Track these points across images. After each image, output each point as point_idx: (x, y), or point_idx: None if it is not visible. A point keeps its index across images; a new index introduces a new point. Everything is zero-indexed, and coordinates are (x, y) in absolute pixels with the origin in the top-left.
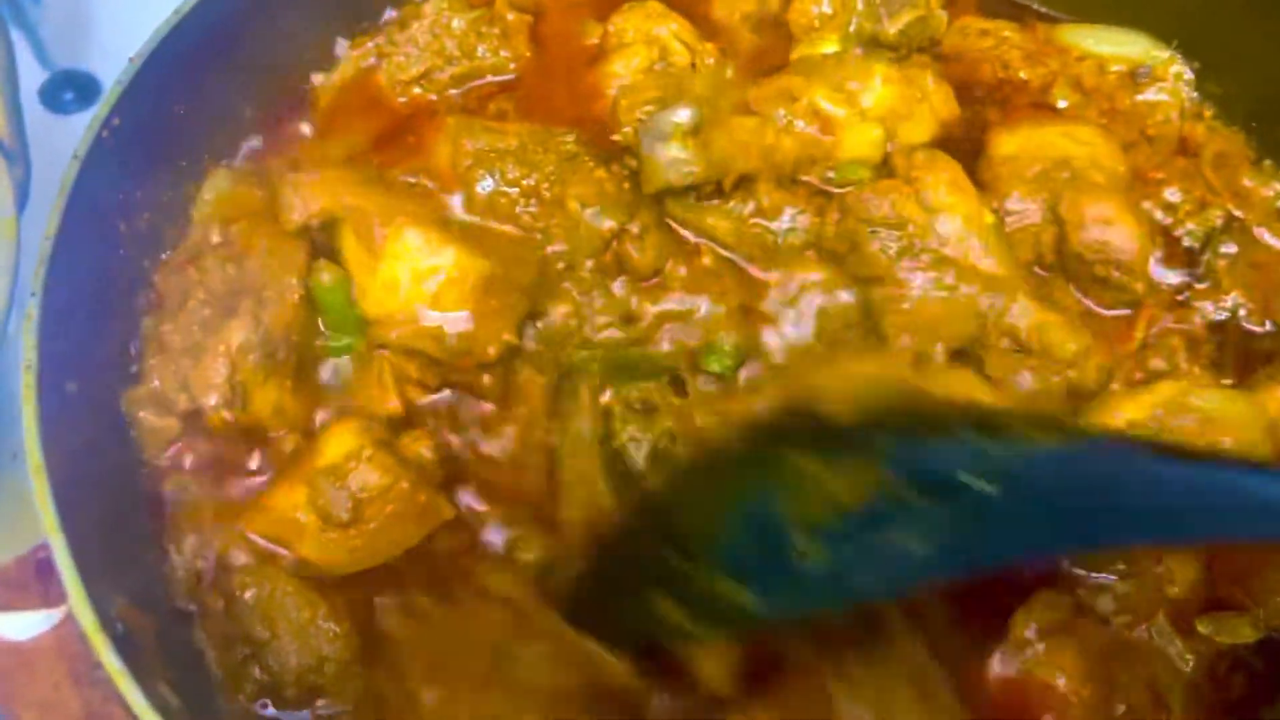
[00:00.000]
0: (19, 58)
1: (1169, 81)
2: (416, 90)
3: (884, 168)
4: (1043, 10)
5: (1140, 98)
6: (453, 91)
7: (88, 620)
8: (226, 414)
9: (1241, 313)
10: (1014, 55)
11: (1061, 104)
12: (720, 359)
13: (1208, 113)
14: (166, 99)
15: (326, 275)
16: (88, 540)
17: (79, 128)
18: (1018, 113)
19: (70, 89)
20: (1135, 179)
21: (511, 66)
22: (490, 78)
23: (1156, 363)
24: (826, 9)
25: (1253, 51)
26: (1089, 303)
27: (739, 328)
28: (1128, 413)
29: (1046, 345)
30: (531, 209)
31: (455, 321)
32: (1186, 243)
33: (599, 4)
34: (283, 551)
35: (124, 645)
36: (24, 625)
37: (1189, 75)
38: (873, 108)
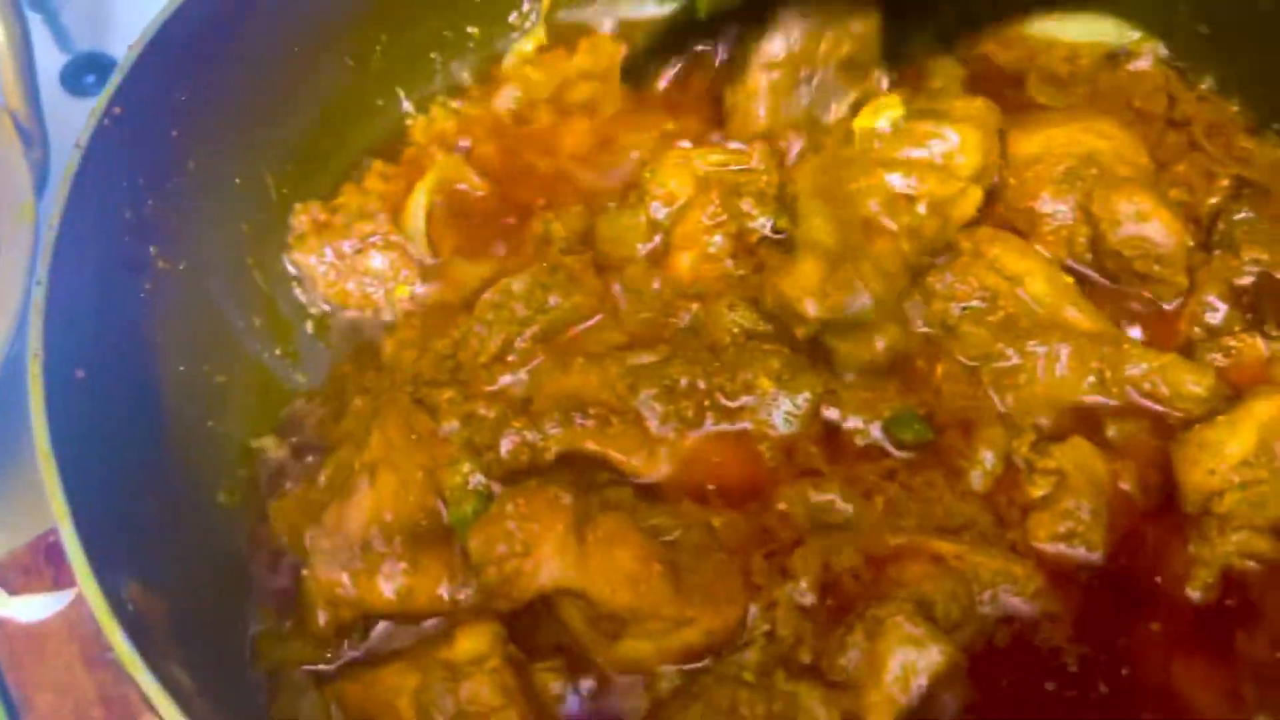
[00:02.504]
0: (39, 42)
1: (1146, 58)
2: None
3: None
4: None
5: (1132, 67)
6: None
7: (97, 603)
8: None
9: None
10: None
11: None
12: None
13: (1201, 84)
14: (168, 85)
15: (469, 507)
16: (97, 524)
17: None
18: (1029, 111)
19: (91, 71)
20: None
21: (591, 306)
22: (579, 327)
23: (1196, 331)
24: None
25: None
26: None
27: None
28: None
29: (1174, 386)
30: (725, 403)
31: None
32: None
33: None
34: None
35: (134, 627)
36: (35, 608)
37: (1164, 52)
38: (964, 167)
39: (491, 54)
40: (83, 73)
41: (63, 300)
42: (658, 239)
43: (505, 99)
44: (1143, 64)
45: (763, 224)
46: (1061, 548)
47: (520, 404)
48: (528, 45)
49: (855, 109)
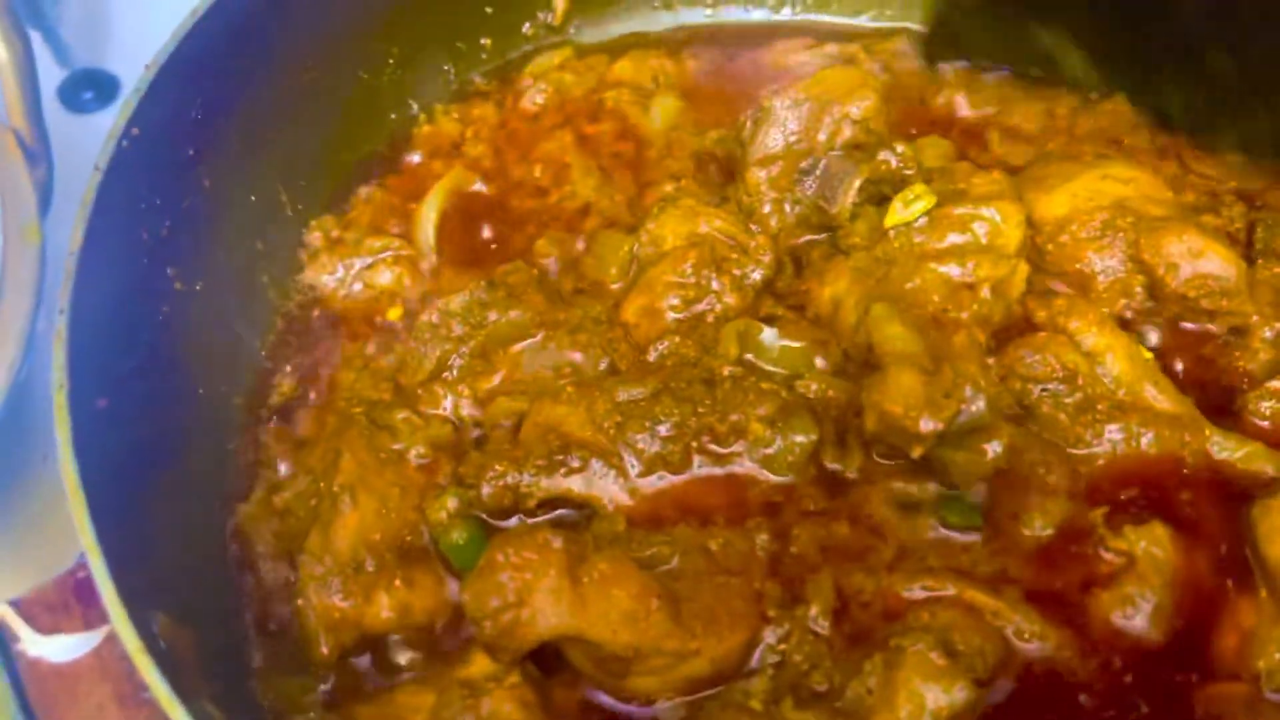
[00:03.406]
0: (36, 58)
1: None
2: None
3: (1017, 315)
4: None
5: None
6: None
7: (131, 642)
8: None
9: None
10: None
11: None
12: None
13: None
14: (183, 105)
15: (458, 533)
16: (125, 559)
17: (98, 127)
18: (1036, 169)
19: (89, 88)
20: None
21: (533, 322)
22: (519, 345)
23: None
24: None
25: None
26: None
27: None
28: None
29: (1257, 474)
30: (712, 447)
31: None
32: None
33: None
34: None
35: (167, 665)
36: (65, 648)
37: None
38: (1011, 243)
39: (504, 65)
40: (81, 89)
41: (85, 328)
42: (633, 271)
43: (531, 97)
44: (1119, 103)
45: (711, 304)
46: (1119, 623)
47: (509, 432)
48: (556, 60)
49: (863, 193)
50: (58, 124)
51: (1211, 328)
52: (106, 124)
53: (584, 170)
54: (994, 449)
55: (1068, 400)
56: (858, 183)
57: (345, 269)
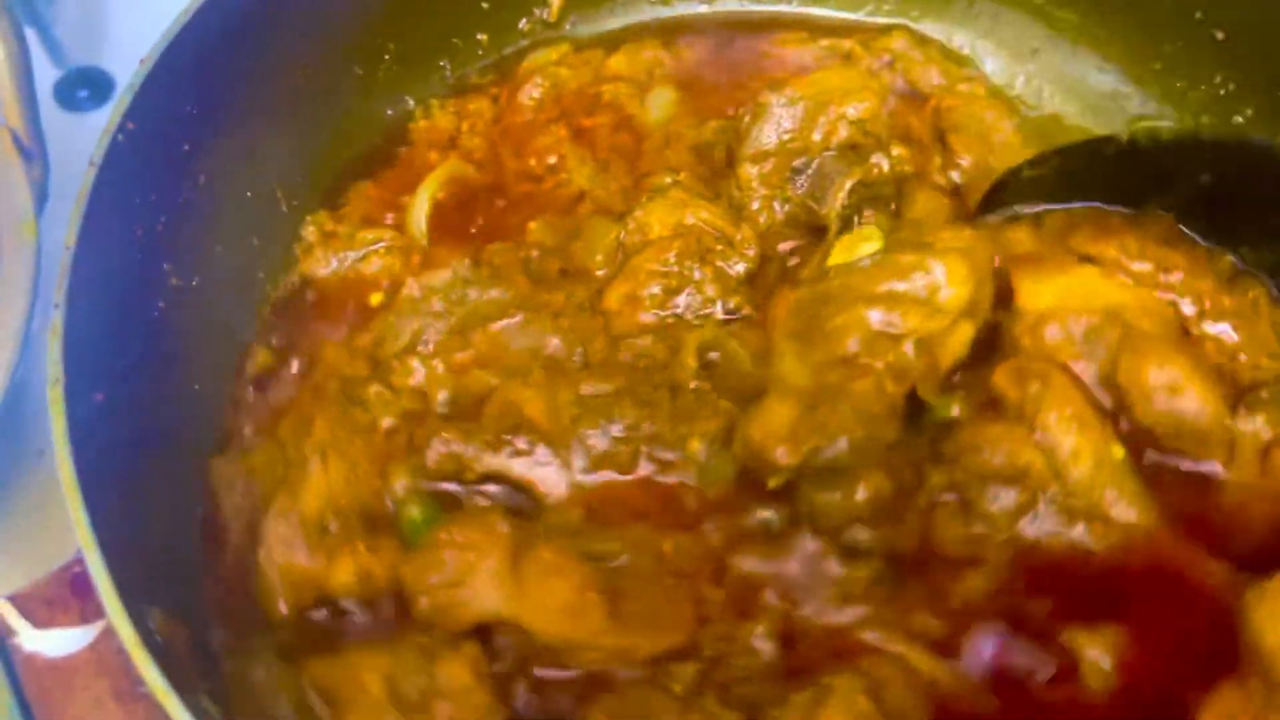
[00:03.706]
0: (32, 56)
1: None
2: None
3: (978, 390)
4: None
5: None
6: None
7: (129, 637)
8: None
9: None
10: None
11: None
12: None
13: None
14: (178, 99)
15: (416, 510)
16: (122, 554)
17: (93, 126)
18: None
19: (84, 87)
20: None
21: (512, 303)
22: (497, 324)
23: None
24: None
25: None
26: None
27: None
28: None
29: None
30: (661, 454)
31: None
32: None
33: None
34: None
35: (164, 660)
36: (62, 642)
37: None
38: (951, 301)
39: (500, 60)
40: (76, 88)
41: (81, 323)
42: (619, 259)
43: (528, 91)
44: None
45: (692, 295)
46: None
47: (474, 406)
48: (553, 55)
49: (854, 195)
50: (53, 123)
51: (1178, 464)
52: (102, 123)
53: (579, 160)
54: (860, 493)
55: (1007, 502)
56: (849, 184)
57: (339, 261)
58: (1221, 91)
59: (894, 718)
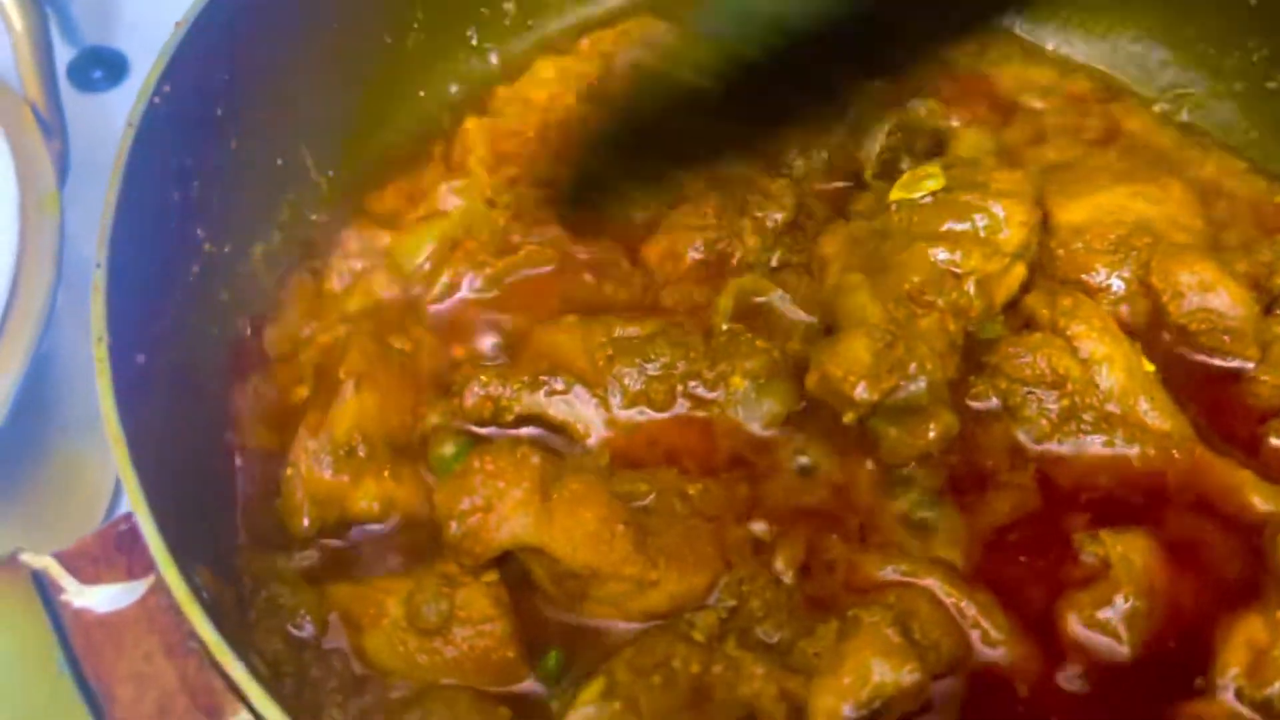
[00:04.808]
0: None
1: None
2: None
3: (1015, 314)
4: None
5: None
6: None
7: (180, 591)
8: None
9: None
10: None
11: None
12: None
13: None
14: (212, 63)
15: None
16: (168, 511)
17: (107, 106)
18: (1068, 172)
19: (99, 67)
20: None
21: (546, 255)
22: (529, 271)
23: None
24: None
25: None
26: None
27: None
28: None
29: (1248, 507)
30: (698, 391)
31: None
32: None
33: None
34: (340, 639)
35: (214, 615)
36: (109, 598)
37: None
38: (1009, 242)
39: (525, 30)
40: (90, 68)
41: (121, 283)
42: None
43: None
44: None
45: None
46: (1086, 634)
47: (505, 348)
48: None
49: (892, 138)
50: (67, 103)
51: (1209, 361)
52: (117, 102)
53: None
54: (932, 431)
55: (1051, 406)
56: (886, 128)
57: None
58: (1254, 58)
59: (924, 648)
